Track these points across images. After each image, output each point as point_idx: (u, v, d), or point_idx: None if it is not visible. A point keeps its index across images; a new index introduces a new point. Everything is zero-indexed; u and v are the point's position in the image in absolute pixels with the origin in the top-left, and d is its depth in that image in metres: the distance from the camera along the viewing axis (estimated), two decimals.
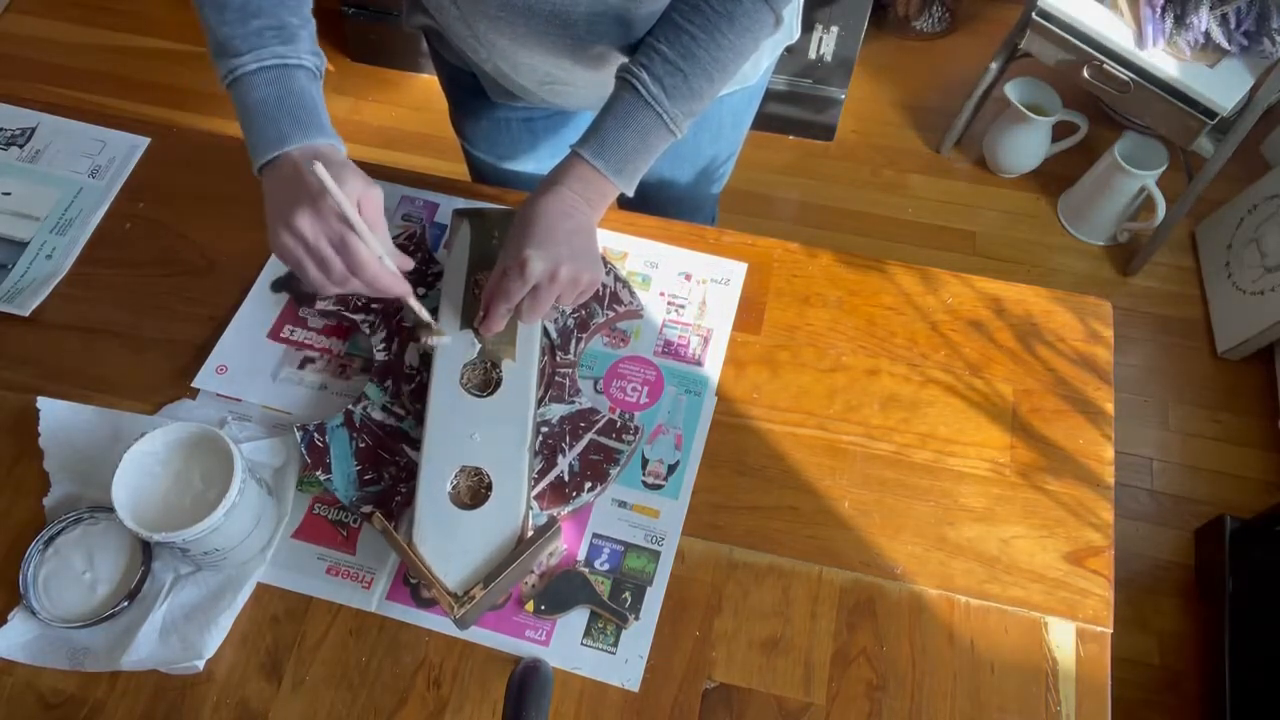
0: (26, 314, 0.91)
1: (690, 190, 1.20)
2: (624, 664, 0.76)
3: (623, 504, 0.82)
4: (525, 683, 0.70)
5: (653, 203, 1.23)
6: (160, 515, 0.72)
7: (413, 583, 0.78)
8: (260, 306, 0.92)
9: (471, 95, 1.06)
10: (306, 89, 0.74)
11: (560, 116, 1.11)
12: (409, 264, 0.77)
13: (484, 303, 0.81)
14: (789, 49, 1.10)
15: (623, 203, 1.33)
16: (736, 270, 0.96)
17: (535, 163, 1.15)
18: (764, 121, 2.15)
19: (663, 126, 0.78)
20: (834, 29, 1.95)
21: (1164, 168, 1.90)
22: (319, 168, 0.67)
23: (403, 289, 0.76)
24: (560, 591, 0.78)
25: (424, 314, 0.81)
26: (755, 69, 1.02)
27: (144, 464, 0.73)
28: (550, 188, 0.78)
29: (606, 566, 0.79)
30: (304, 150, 0.73)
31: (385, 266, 0.73)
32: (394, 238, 0.93)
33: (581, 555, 0.80)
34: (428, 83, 2.29)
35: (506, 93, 1.00)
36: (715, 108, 1.06)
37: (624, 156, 0.78)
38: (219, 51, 0.74)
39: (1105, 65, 1.76)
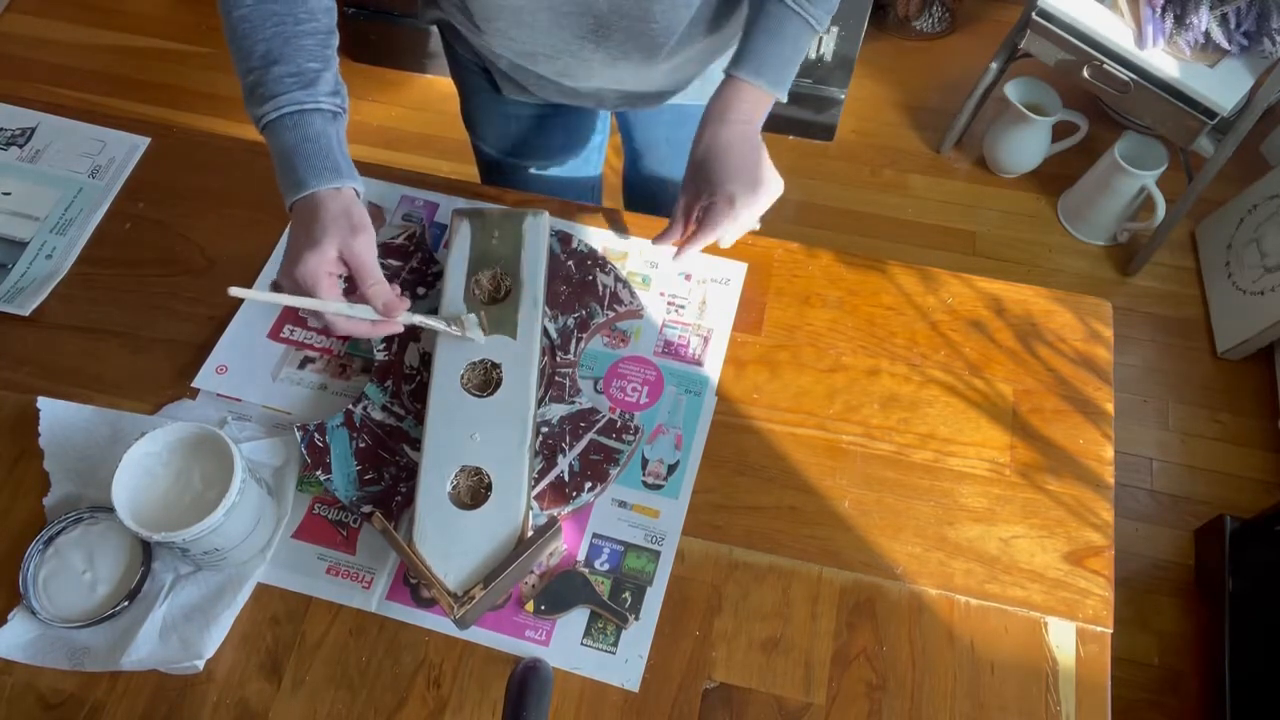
0: (26, 314, 0.91)
1: None
2: (624, 664, 0.76)
3: (623, 504, 0.82)
4: (525, 683, 0.70)
5: (659, 204, 1.23)
6: (160, 515, 0.72)
7: (413, 583, 0.78)
8: (260, 306, 0.92)
9: (482, 89, 1.06)
10: (323, 132, 0.77)
11: (571, 113, 1.11)
12: (402, 305, 0.77)
13: (681, 235, 0.87)
14: None
15: (627, 204, 1.33)
16: (736, 270, 0.96)
17: (544, 157, 1.15)
18: (764, 122, 2.15)
19: (809, 30, 0.83)
20: (834, 29, 1.95)
21: (1164, 168, 1.90)
22: (236, 291, 0.71)
23: (381, 331, 0.78)
24: (560, 591, 0.78)
25: (439, 326, 0.82)
26: None
27: (144, 464, 0.74)
28: (724, 120, 0.83)
29: (606, 566, 0.79)
30: (314, 197, 0.76)
31: (353, 321, 0.76)
32: (393, 238, 0.94)
33: (581, 555, 0.80)
34: (428, 83, 2.29)
35: (518, 86, 1.00)
36: None
37: (780, 67, 0.83)
38: (248, 99, 0.78)
39: (1105, 65, 1.76)
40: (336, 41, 0.81)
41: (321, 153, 0.76)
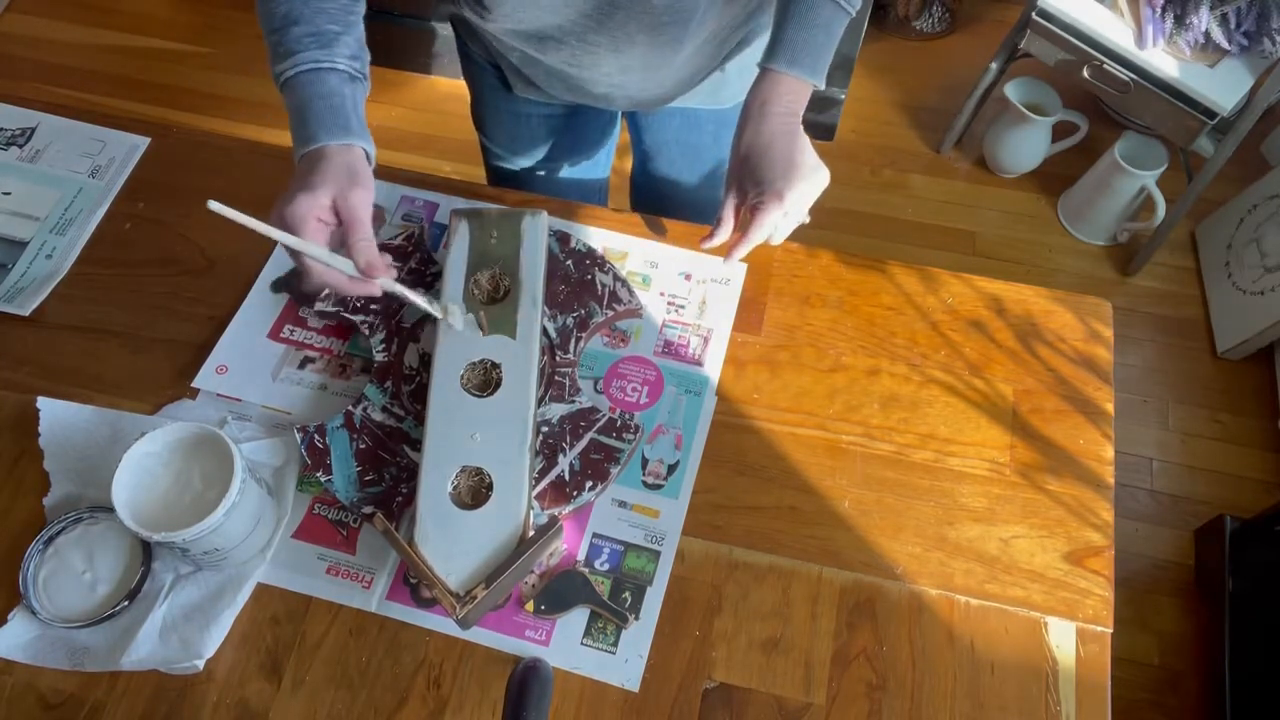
0: (26, 314, 0.91)
1: (701, 193, 1.20)
2: (624, 664, 0.76)
3: (623, 504, 0.82)
4: (525, 683, 0.70)
5: (663, 204, 1.23)
6: (160, 515, 0.72)
7: (413, 582, 0.78)
8: (260, 306, 0.92)
9: (494, 88, 1.06)
10: (338, 90, 0.77)
11: (582, 115, 1.11)
12: (383, 268, 0.76)
13: (732, 237, 0.84)
14: None
15: (634, 205, 1.33)
16: (736, 270, 0.96)
17: (554, 159, 1.15)
18: None
19: (842, 13, 0.82)
20: None
21: (1164, 168, 1.90)
22: (214, 205, 0.68)
23: (357, 289, 0.76)
24: (560, 591, 0.78)
25: (419, 301, 0.81)
26: None
27: (144, 464, 0.74)
28: (765, 114, 0.81)
29: (606, 566, 0.79)
30: (322, 150, 0.75)
31: (335, 271, 0.74)
32: (393, 238, 0.94)
33: (581, 555, 0.80)
34: (429, 83, 2.29)
35: (529, 83, 1.00)
36: (734, 113, 1.07)
37: (815, 55, 0.82)
38: (271, 58, 0.78)
39: (1105, 65, 1.76)
40: (363, 10, 0.81)
41: (333, 110, 0.76)
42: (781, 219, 0.82)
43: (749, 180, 0.82)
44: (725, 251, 0.85)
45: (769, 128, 0.81)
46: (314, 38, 0.76)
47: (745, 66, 1.01)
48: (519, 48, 0.92)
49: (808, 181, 0.81)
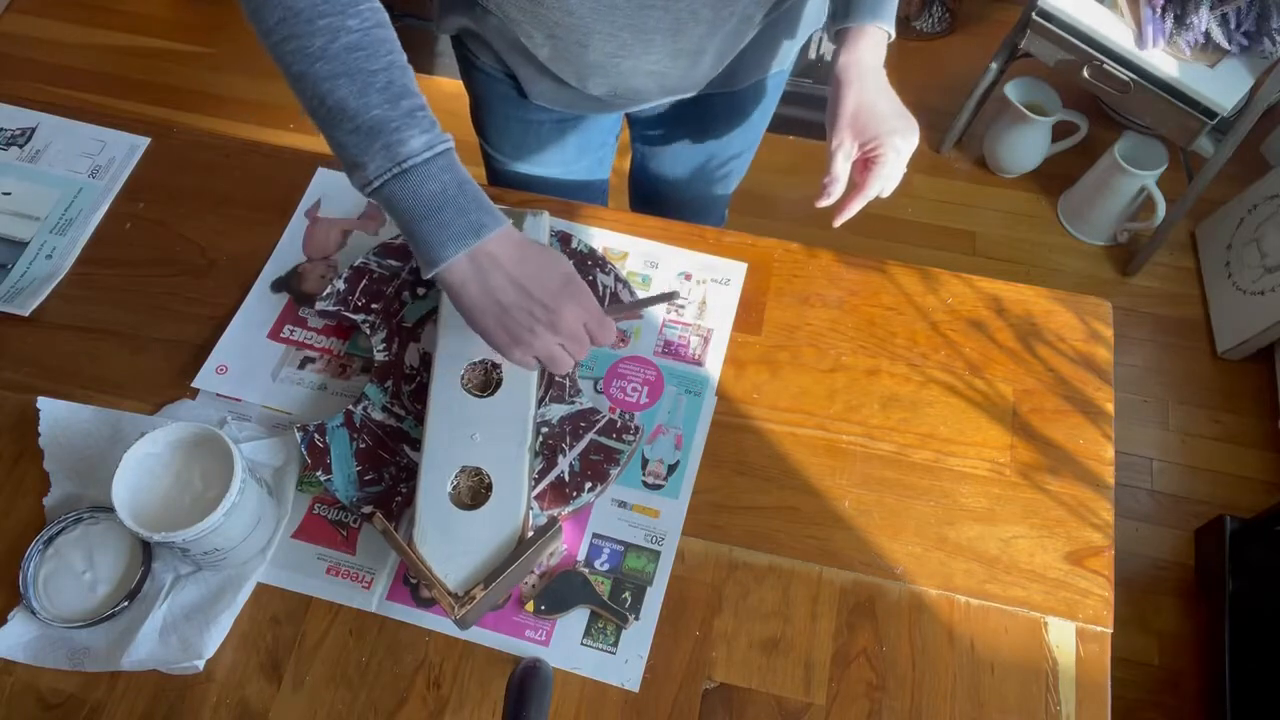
0: (26, 314, 0.91)
1: (699, 189, 1.19)
2: (624, 664, 0.76)
3: (623, 504, 0.82)
4: (525, 683, 0.70)
5: (662, 203, 1.23)
6: (160, 515, 0.72)
7: (413, 583, 0.78)
8: (260, 306, 0.92)
9: (504, 98, 1.04)
10: (463, 171, 0.70)
11: (588, 119, 1.09)
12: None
13: (846, 194, 0.87)
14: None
15: (633, 204, 1.33)
16: (736, 270, 0.96)
17: (562, 166, 1.13)
18: (770, 120, 2.15)
19: None
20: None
21: (1164, 168, 1.90)
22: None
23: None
24: (560, 591, 0.78)
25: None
26: (786, 55, 1.02)
27: (144, 464, 0.74)
28: (863, 70, 0.84)
29: (606, 566, 0.80)
30: (508, 235, 0.70)
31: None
32: (394, 238, 0.94)
33: (581, 555, 0.80)
34: (432, 83, 2.29)
35: (556, 80, 0.94)
36: (743, 94, 1.06)
37: (890, 6, 0.85)
38: (370, 136, 0.65)
39: (1105, 65, 1.76)
40: None
41: (480, 193, 0.70)
42: (897, 169, 0.85)
43: (861, 135, 0.84)
44: (839, 211, 0.88)
45: (872, 83, 0.84)
46: (424, 112, 0.67)
47: (762, 43, 0.99)
48: (551, 44, 0.88)
49: (914, 130, 0.85)
